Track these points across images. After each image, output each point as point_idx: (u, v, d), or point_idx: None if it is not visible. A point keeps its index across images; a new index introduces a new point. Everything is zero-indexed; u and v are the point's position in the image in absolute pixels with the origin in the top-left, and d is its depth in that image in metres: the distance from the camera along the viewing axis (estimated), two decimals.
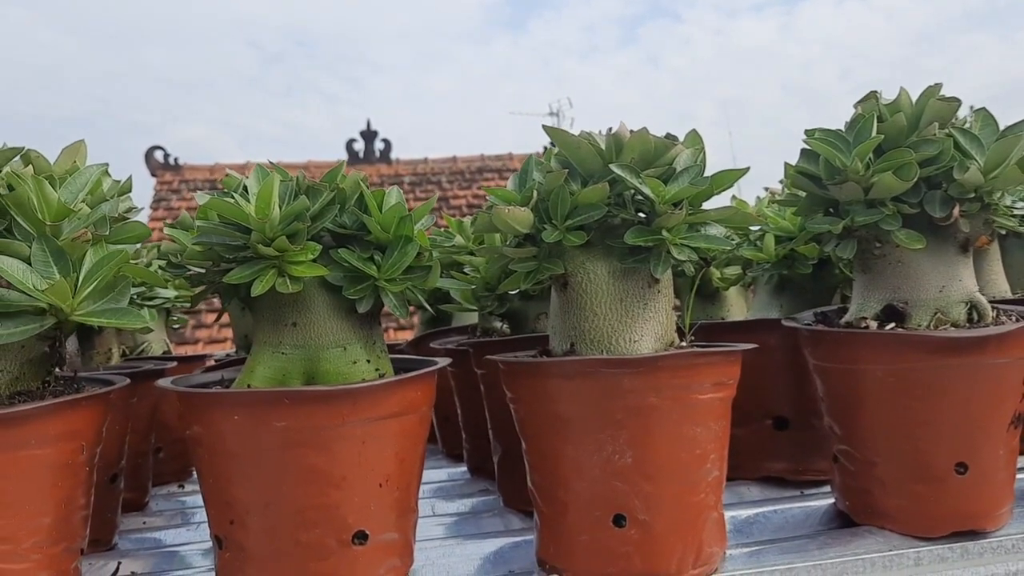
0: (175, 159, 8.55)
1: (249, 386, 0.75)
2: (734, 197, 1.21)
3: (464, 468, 1.31)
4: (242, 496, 0.71)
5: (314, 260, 0.73)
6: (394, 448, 0.73)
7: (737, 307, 1.25)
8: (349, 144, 9.04)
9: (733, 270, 1.18)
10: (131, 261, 1.14)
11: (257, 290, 0.71)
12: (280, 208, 0.72)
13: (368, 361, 0.78)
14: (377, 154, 9.03)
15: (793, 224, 1.07)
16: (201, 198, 0.75)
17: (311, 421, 0.69)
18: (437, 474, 1.33)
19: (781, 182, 1.18)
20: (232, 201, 0.72)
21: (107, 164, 0.80)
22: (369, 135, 9.05)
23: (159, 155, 8.49)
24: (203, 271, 0.78)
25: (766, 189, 1.37)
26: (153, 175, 8.44)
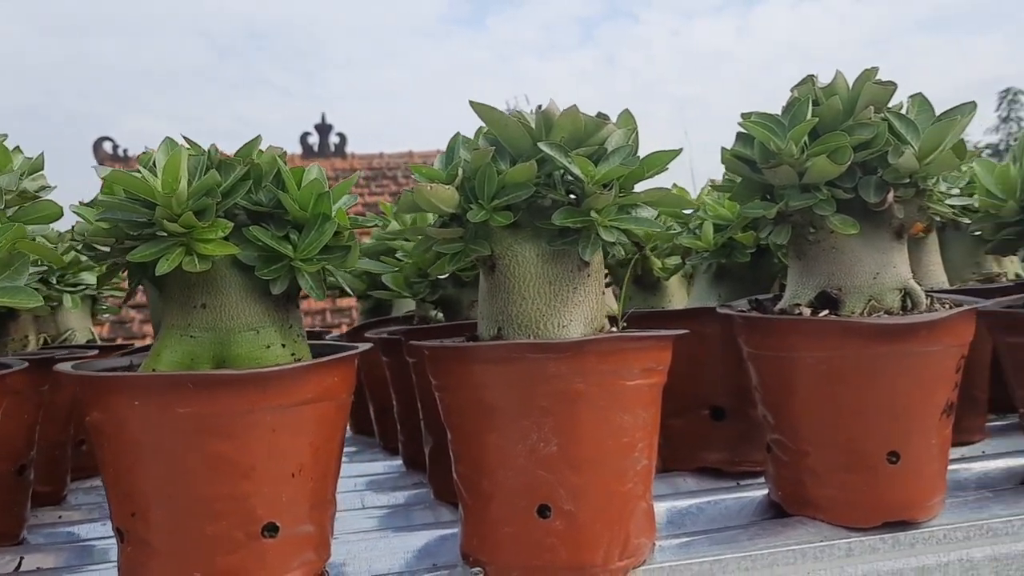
0: (124, 150, 8.35)
1: (154, 370, 0.71)
2: (675, 185, 1.19)
3: (400, 461, 1.28)
4: (144, 487, 0.67)
5: (225, 238, 0.70)
6: (308, 436, 0.70)
7: (679, 297, 1.23)
8: (303, 138, 8.91)
9: (673, 260, 1.16)
10: (53, 245, 1.09)
11: (162, 269, 0.67)
12: (189, 183, 0.68)
13: (283, 345, 0.74)
14: (332, 148, 8.92)
15: (732, 212, 1.06)
16: (103, 171, 0.70)
17: (217, 407, 0.65)
18: (372, 467, 1.30)
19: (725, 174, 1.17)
20: (137, 175, 0.68)
21: (6, 135, 0.75)
22: (324, 129, 8.93)
23: (107, 146, 8.29)
24: (108, 249, 0.74)
25: (710, 180, 1.36)
26: (101, 166, 8.24)
